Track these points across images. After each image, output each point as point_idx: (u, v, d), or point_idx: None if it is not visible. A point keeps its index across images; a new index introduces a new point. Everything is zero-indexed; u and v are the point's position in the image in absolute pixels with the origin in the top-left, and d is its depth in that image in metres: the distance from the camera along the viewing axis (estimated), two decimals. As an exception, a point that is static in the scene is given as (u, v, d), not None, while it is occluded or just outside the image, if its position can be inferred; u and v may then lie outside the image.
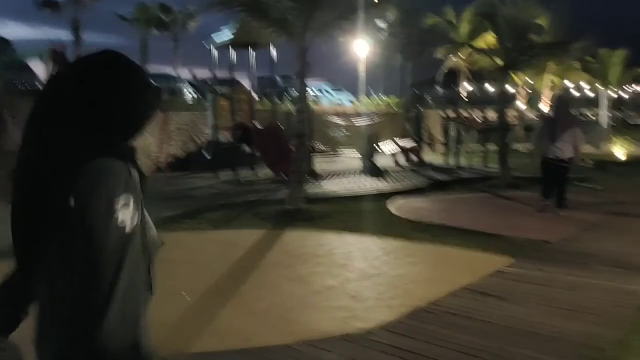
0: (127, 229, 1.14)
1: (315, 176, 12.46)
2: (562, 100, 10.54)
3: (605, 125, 24.93)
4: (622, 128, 20.89)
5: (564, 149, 8.40)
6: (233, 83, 16.89)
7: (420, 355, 3.62)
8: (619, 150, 16.81)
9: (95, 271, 1.10)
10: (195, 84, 31.50)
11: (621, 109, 31.13)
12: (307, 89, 9.79)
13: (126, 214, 1.14)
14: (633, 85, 31.68)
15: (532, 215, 8.82)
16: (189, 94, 30.70)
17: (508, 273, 5.49)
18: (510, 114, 15.50)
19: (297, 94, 9.78)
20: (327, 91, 24.16)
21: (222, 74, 17.70)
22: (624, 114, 30.40)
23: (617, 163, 15.56)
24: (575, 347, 3.66)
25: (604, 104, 27.40)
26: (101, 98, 1.23)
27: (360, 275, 5.46)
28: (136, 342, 1.19)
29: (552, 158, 8.44)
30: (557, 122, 8.52)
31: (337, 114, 19.78)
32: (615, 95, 29.83)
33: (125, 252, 1.13)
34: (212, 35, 15.75)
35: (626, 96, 31.43)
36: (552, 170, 8.54)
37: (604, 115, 26.70)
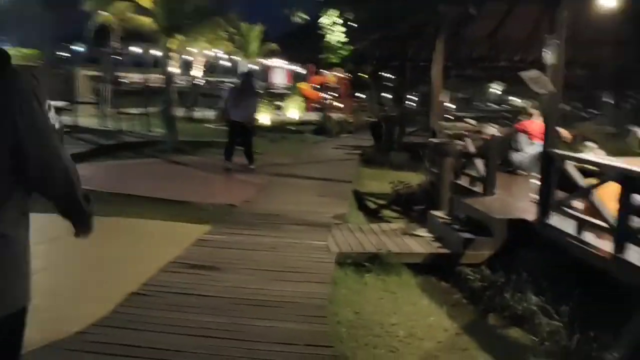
0: (57, 126, 1.64)
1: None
2: (247, 73, 12.41)
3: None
4: (266, 96, 22.98)
5: (247, 114, 9.59)
6: None
7: (145, 347, 3.21)
8: (265, 116, 18.50)
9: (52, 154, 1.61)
10: None
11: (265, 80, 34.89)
12: None
13: (51, 115, 1.62)
14: (267, 58, 35.61)
15: (209, 180, 9.07)
16: None
17: (209, 241, 5.40)
18: (165, 78, 15.26)
19: None
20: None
21: None
22: (264, 84, 33.74)
23: (265, 128, 17.11)
24: (300, 309, 3.79)
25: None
26: None
27: (47, 262, 4.52)
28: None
29: (238, 121, 9.48)
30: (242, 91, 9.77)
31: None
32: (254, 66, 32.93)
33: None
34: None
35: (258, 67, 35.02)
36: (237, 132, 9.57)
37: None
